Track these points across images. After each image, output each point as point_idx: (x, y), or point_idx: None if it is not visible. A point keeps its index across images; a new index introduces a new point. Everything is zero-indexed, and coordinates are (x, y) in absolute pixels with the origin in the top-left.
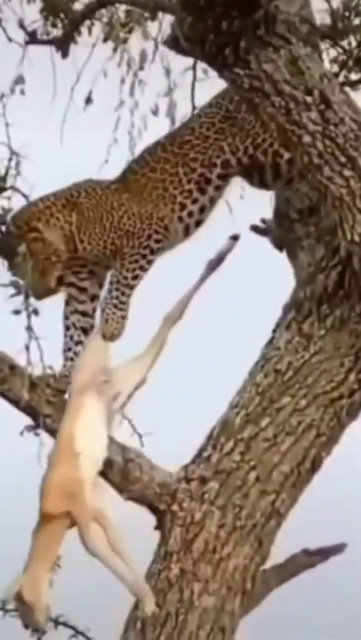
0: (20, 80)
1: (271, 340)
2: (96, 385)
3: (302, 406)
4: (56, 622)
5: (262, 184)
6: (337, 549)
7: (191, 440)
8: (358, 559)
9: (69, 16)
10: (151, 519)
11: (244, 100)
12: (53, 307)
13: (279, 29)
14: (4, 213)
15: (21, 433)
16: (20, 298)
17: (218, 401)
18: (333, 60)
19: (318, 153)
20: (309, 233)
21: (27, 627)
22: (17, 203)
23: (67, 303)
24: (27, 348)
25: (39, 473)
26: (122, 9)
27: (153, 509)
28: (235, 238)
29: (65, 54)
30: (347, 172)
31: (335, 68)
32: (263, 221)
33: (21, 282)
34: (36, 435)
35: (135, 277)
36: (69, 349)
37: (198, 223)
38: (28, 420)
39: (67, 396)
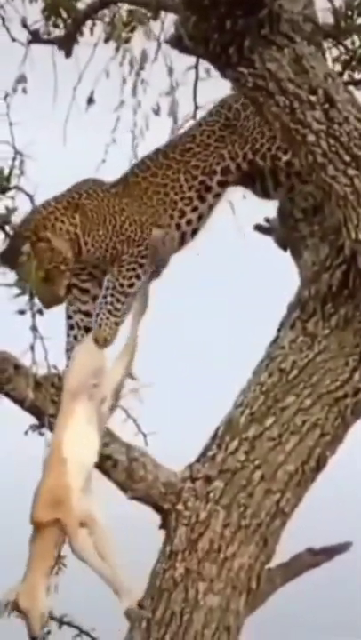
0: (22, 79)
1: (276, 339)
2: (87, 389)
3: (307, 405)
4: (60, 622)
5: (265, 193)
6: (342, 548)
7: (196, 439)
8: None
9: (72, 15)
10: (156, 518)
11: (248, 99)
12: (58, 307)
13: (283, 28)
14: (8, 213)
15: (26, 432)
16: (25, 298)
17: (222, 400)
18: (336, 59)
19: (322, 152)
20: (314, 232)
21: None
22: (21, 202)
23: (70, 303)
24: (31, 347)
25: (40, 473)
26: (124, 8)
27: (158, 508)
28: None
29: (68, 54)
30: (351, 171)
31: (338, 67)
32: (267, 220)
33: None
34: (41, 434)
35: (131, 285)
36: (73, 349)
37: (195, 232)
38: (30, 421)
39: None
